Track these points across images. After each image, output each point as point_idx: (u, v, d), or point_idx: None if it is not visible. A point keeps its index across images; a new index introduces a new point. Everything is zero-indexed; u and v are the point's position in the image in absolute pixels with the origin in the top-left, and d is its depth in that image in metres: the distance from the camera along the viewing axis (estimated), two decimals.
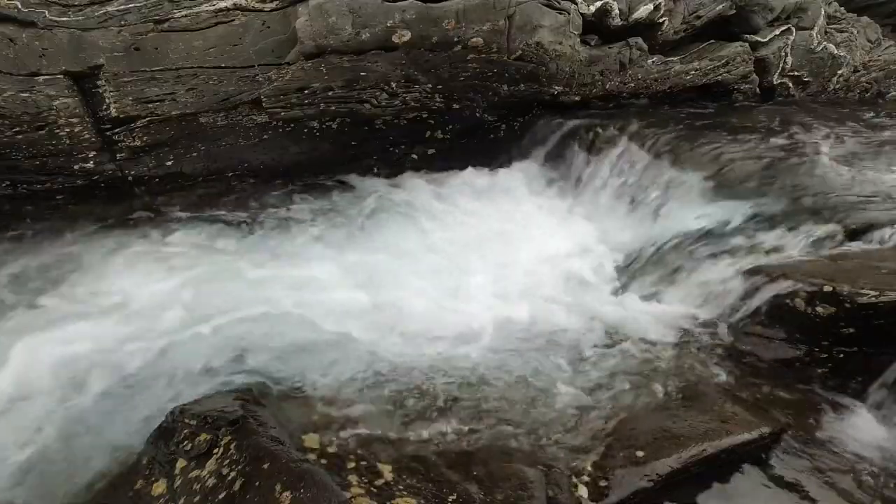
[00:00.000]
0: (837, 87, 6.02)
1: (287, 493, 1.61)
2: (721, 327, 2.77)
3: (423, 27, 4.37)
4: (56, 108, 4.08)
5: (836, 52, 5.79)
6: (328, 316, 2.89)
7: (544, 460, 1.97)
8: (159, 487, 1.82)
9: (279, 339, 2.68)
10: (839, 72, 5.92)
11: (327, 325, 2.83)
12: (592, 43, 4.94)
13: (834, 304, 2.36)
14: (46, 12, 3.97)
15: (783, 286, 2.58)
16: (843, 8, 6.19)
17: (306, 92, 4.52)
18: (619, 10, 4.84)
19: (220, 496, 1.69)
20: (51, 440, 2.21)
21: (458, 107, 4.91)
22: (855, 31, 5.99)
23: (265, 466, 1.72)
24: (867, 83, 6.23)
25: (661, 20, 5.06)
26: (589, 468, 1.94)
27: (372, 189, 4.56)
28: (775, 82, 5.64)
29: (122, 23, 4.13)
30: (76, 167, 4.28)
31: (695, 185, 3.78)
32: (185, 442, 1.89)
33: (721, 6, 5.25)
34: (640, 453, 1.98)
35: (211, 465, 1.79)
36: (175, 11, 4.20)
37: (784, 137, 4.22)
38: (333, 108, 4.64)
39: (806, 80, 5.77)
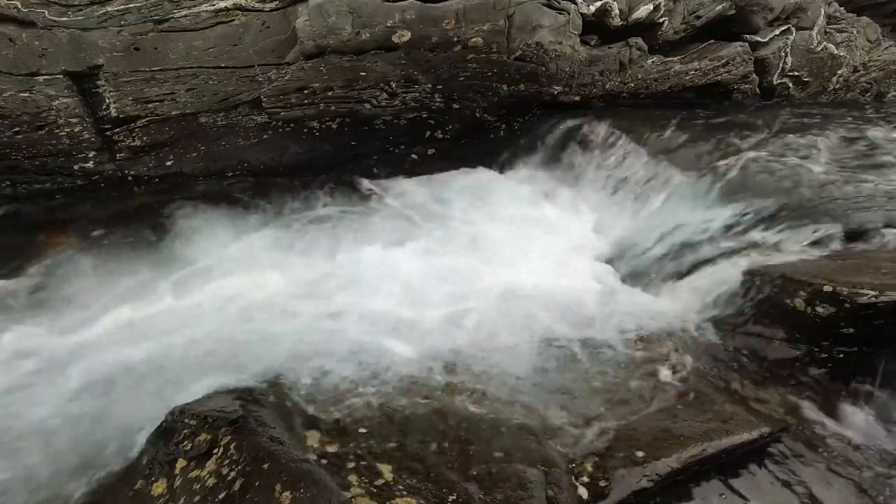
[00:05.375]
0: (837, 87, 6.02)
1: (287, 493, 1.61)
2: (721, 327, 2.77)
3: (422, 27, 4.37)
4: (56, 108, 4.09)
5: (835, 52, 5.79)
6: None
7: (544, 460, 1.97)
8: (159, 487, 1.82)
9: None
10: (839, 72, 5.92)
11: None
12: (592, 43, 4.94)
13: (834, 304, 2.36)
14: (46, 12, 3.98)
15: (783, 286, 2.58)
16: (843, 8, 6.19)
17: (306, 92, 4.52)
18: (619, 10, 4.84)
19: (220, 496, 1.68)
20: (51, 439, 2.22)
21: (457, 107, 4.91)
22: (855, 31, 5.99)
23: (265, 466, 1.72)
24: (867, 83, 6.23)
25: (660, 20, 5.06)
26: (589, 468, 1.94)
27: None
28: (775, 82, 5.64)
29: (122, 23, 4.14)
30: (76, 167, 4.28)
31: (694, 185, 3.78)
32: (185, 442, 1.88)
33: (721, 6, 5.25)
34: (640, 453, 1.98)
35: (211, 465, 1.79)
36: (175, 11, 4.20)
37: (784, 137, 4.21)
38: (333, 108, 4.64)
39: (806, 80, 5.77)
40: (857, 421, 2.21)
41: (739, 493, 1.94)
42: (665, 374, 2.47)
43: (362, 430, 2.10)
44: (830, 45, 5.76)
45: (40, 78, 4.03)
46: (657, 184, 3.98)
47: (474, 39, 4.48)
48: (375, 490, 1.76)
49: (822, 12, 5.74)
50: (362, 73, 4.51)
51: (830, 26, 5.91)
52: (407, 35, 4.38)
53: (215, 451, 1.82)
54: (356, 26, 4.30)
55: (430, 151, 5.01)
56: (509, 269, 3.49)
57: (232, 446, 1.81)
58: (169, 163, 4.54)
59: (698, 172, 3.84)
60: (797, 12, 5.61)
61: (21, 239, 3.72)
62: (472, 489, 1.81)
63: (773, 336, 2.58)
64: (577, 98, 5.05)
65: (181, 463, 1.84)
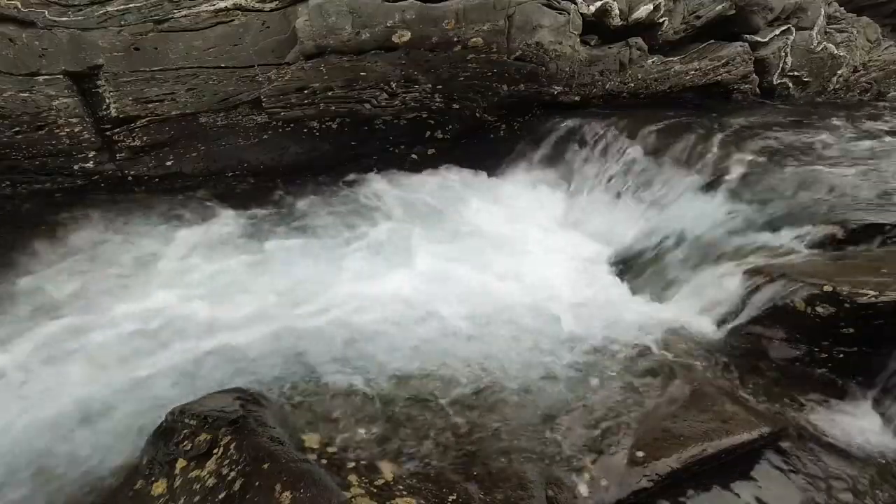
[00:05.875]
0: (837, 86, 6.02)
1: (287, 493, 1.61)
2: (721, 327, 2.77)
3: (423, 27, 4.37)
4: (56, 108, 4.09)
5: (835, 52, 5.79)
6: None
7: (544, 460, 1.97)
8: (159, 487, 1.82)
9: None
10: (839, 72, 5.92)
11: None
12: (592, 43, 4.94)
13: (834, 304, 2.36)
14: (46, 12, 3.98)
15: (783, 286, 2.58)
16: (843, 8, 6.20)
17: (306, 92, 4.53)
18: (619, 10, 4.84)
19: (220, 496, 1.68)
20: (51, 439, 2.22)
21: (457, 107, 4.92)
22: (855, 31, 6.00)
23: (265, 466, 1.71)
24: (867, 83, 6.23)
25: (660, 20, 5.06)
26: (589, 468, 1.94)
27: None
28: (775, 82, 5.64)
29: (122, 23, 4.14)
30: (76, 167, 4.28)
31: (694, 185, 3.78)
32: (185, 442, 1.88)
33: (721, 6, 5.25)
34: (640, 453, 1.98)
35: (211, 465, 1.79)
36: (175, 11, 4.21)
37: (783, 137, 4.21)
38: (333, 108, 4.65)
39: (806, 80, 5.78)
40: (857, 421, 2.21)
41: (739, 493, 1.94)
42: (665, 374, 2.47)
43: (362, 430, 2.10)
44: (830, 45, 5.76)
45: (40, 78, 4.03)
46: (657, 184, 3.98)
47: (474, 39, 4.48)
48: (375, 490, 1.76)
49: (822, 12, 5.74)
50: (362, 73, 4.51)
51: (830, 26, 5.92)
52: (407, 35, 4.38)
53: (215, 451, 1.82)
54: (356, 26, 4.31)
55: (430, 151, 5.01)
56: (508, 270, 3.49)
57: (232, 446, 1.81)
58: (169, 163, 4.54)
59: (698, 173, 3.85)
60: (797, 12, 5.61)
61: None
62: (472, 489, 1.81)
63: (773, 336, 2.58)
64: (577, 98, 5.06)
65: (181, 463, 1.84)
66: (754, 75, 5.53)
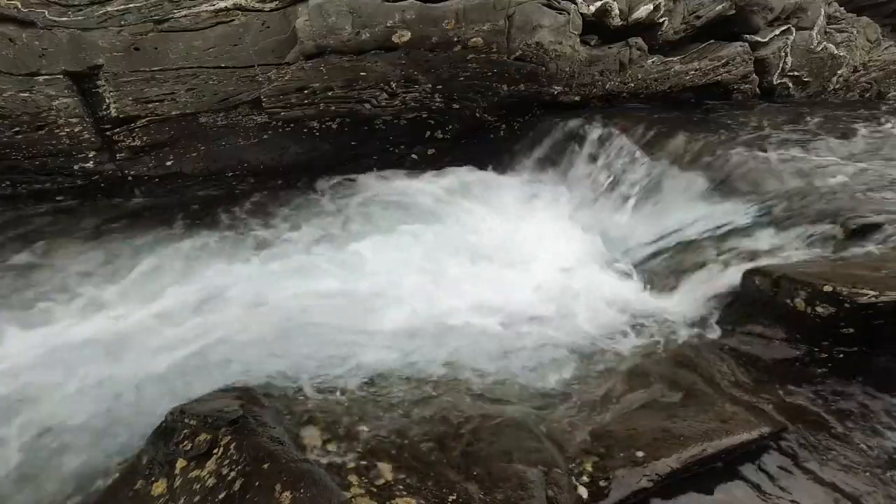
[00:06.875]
0: (837, 87, 6.02)
1: (287, 493, 1.61)
2: (721, 327, 2.77)
3: (422, 27, 4.37)
4: (56, 108, 4.09)
5: (835, 52, 5.79)
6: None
7: (544, 460, 1.97)
8: (159, 487, 1.82)
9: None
10: (839, 72, 5.92)
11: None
12: (592, 43, 4.94)
13: (834, 304, 2.36)
14: (46, 12, 3.98)
15: (783, 286, 2.58)
16: (843, 8, 6.19)
17: (306, 92, 4.53)
18: (619, 10, 4.84)
19: (220, 496, 1.68)
20: (51, 439, 2.22)
21: (457, 107, 4.92)
22: (855, 31, 5.99)
23: (265, 466, 1.71)
24: (867, 83, 6.23)
25: (660, 20, 5.06)
26: (589, 468, 1.93)
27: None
28: (775, 82, 5.64)
29: (122, 23, 4.14)
30: (76, 167, 4.29)
31: (694, 185, 3.78)
32: (185, 442, 1.88)
33: (721, 6, 5.25)
34: (640, 453, 1.97)
35: (211, 465, 1.79)
36: (175, 11, 4.21)
37: (783, 138, 4.21)
38: (333, 108, 4.65)
39: (806, 80, 5.77)
40: (857, 421, 2.21)
41: (739, 493, 1.94)
42: (664, 373, 2.47)
43: (362, 429, 2.10)
44: (830, 45, 5.76)
45: (40, 78, 4.03)
46: (657, 184, 3.98)
47: (474, 39, 4.48)
48: (375, 490, 1.76)
49: (822, 12, 5.74)
50: (362, 73, 4.51)
51: (830, 26, 5.91)
52: (407, 35, 4.38)
53: (215, 451, 1.82)
54: (356, 26, 4.31)
55: (430, 151, 5.01)
56: (508, 270, 3.49)
57: (232, 446, 1.81)
58: (169, 163, 4.54)
59: (698, 172, 3.85)
60: (797, 12, 5.61)
61: None
62: (472, 489, 1.81)
63: (773, 336, 2.58)
64: (577, 98, 5.06)
65: (181, 463, 1.84)
66: (754, 75, 5.53)
